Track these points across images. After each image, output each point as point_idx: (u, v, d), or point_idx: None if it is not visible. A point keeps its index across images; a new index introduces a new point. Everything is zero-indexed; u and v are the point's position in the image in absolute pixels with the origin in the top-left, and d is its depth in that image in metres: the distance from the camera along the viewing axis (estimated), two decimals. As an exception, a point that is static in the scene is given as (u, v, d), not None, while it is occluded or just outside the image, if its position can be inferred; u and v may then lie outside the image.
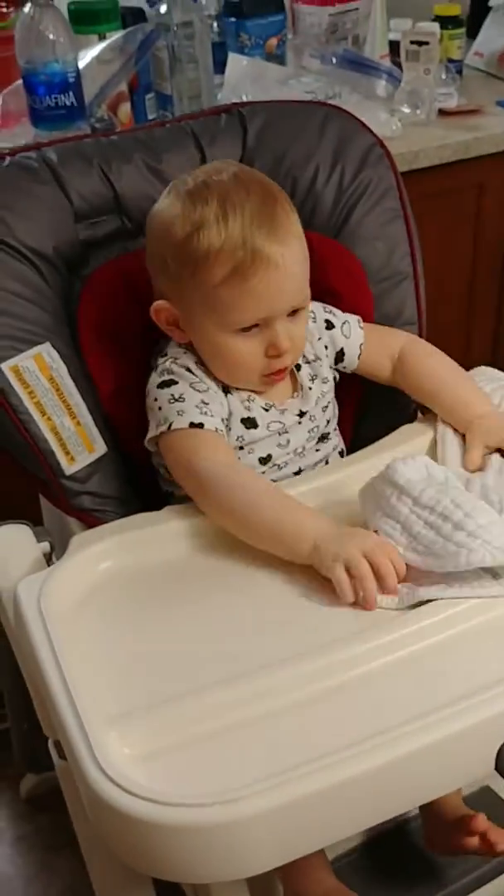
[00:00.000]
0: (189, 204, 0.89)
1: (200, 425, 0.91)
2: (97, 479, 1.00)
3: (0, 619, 0.98)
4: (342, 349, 1.05)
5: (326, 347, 1.04)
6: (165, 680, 0.76)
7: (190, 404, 0.92)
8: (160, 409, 0.93)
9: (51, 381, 0.97)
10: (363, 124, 1.11)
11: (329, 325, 1.04)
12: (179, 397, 0.93)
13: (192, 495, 0.91)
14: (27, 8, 1.47)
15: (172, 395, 0.93)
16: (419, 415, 1.09)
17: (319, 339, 1.04)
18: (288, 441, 1.00)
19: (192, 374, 0.94)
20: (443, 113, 1.69)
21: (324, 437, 1.04)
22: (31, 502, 1.12)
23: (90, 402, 1.00)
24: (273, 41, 1.71)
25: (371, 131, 1.12)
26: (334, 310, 1.06)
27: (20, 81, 1.49)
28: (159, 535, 0.91)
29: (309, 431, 1.02)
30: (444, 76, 1.71)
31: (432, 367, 1.05)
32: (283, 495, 0.88)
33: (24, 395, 0.95)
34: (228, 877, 0.68)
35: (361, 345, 1.05)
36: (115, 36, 1.56)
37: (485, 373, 1.12)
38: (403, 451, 0.98)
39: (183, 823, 0.63)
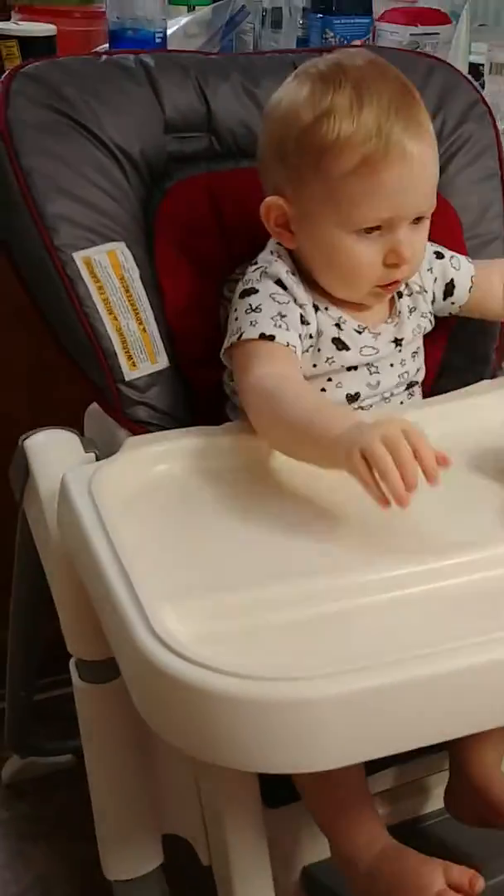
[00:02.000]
0: (321, 86, 0.82)
1: (272, 337, 0.84)
2: (156, 391, 0.93)
3: (33, 526, 0.91)
4: (452, 280, 0.98)
5: (436, 280, 0.97)
6: (226, 573, 0.69)
7: (266, 315, 0.85)
8: (236, 319, 0.87)
9: (121, 281, 0.91)
10: (468, 80, 1.09)
11: (439, 255, 0.98)
12: (256, 307, 0.86)
13: (245, 409, 0.84)
14: None
15: (250, 304, 0.87)
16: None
17: (430, 269, 0.97)
18: (378, 382, 0.93)
19: (280, 284, 0.88)
20: (520, 132, 1.66)
21: (412, 385, 0.98)
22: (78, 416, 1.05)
23: (158, 315, 0.94)
24: (357, 44, 1.71)
25: (476, 88, 1.09)
26: (441, 246, 1.00)
27: (105, 46, 1.48)
28: (219, 446, 0.84)
29: (399, 377, 0.95)
30: (524, 98, 1.70)
31: None
32: (326, 401, 0.81)
33: (94, 288, 0.89)
34: (290, 768, 0.59)
35: (473, 277, 0.99)
36: (205, 10, 1.56)
37: None
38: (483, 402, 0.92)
39: (250, 697, 0.55)
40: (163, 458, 0.83)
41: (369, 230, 0.83)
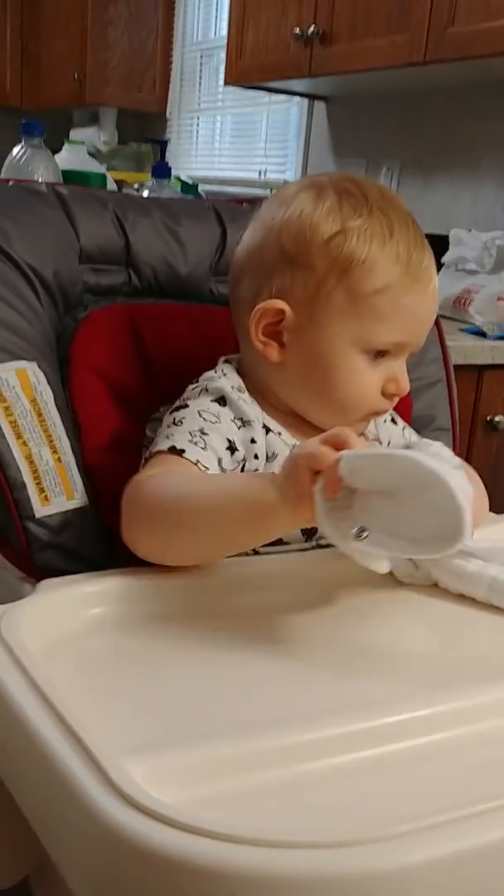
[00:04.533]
0: (347, 203, 0.76)
1: (181, 451, 0.72)
2: (72, 532, 0.76)
3: None
4: (407, 447, 0.88)
5: (389, 444, 0.89)
6: (202, 723, 0.50)
7: (184, 430, 0.74)
8: (158, 434, 0.76)
9: (32, 403, 0.77)
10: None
11: (394, 421, 0.91)
12: (178, 421, 0.76)
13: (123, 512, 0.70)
14: (16, 149, 1.44)
15: (174, 418, 0.76)
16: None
17: (385, 421, 0.90)
18: None
19: (220, 401, 0.77)
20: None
21: None
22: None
23: (74, 446, 0.80)
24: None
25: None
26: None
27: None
28: (160, 587, 0.68)
29: None
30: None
31: None
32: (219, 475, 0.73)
33: (-1, 408, 0.75)
34: None
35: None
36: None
37: None
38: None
39: (301, 874, 0.36)
40: (100, 599, 0.65)
41: (378, 354, 0.77)
